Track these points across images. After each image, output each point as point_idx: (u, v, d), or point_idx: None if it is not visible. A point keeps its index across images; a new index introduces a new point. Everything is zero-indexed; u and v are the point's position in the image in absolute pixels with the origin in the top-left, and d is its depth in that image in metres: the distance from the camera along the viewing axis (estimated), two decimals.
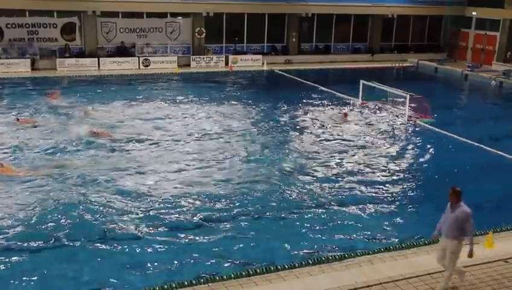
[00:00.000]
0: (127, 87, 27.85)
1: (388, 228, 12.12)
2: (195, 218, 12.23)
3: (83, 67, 31.32)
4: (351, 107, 24.28)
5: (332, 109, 24.19)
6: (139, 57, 32.97)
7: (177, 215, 12.34)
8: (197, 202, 13.10)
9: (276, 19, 36.97)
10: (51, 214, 12.15)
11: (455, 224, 8.85)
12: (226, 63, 34.41)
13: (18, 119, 19.94)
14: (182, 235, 11.40)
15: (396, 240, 11.37)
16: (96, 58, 31.92)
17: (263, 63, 34.86)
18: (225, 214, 12.53)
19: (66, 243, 10.94)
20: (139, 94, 26.08)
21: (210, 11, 34.27)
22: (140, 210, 12.54)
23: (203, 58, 34.28)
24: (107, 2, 32.27)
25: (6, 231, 11.28)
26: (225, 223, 12.02)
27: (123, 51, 33.27)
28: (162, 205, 12.90)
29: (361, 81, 25.03)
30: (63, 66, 31.08)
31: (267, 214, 12.67)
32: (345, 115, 22.42)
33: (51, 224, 11.67)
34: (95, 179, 14.27)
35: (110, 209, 12.49)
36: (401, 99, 23.11)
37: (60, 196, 13.07)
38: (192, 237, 11.38)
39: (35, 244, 10.80)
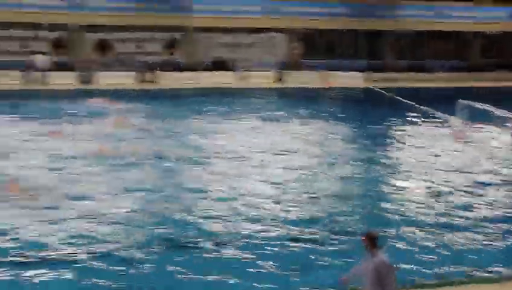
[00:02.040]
0: (221, 101, 28.59)
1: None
2: (291, 233, 12.14)
3: (183, 81, 32.55)
4: (453, 128, 23.52)
5: (433, 128, 23.65)
6: (235, 71, 33.83)
7: (263, 230, 12.22)
8: (289, 216, 12.97)
9: (374, 35, 36.79)
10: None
11: (377, 279, 7.40)
12: (322, 79, 34.55)
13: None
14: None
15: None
16: (196, 72, 33.07)
17: (360, 80, 34.67)
18: (321, 231, 12.38)
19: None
20: (232, 108, 26.71)
21: (307, 27, 34.63)
22: (228, 221, 12.60)
23: (299, 73, 34.62)
24: (206, 19, 33.53)
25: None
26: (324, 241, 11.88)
27: (221, 65, 34.27)
28: (247, 219, 12.77)
29: (461, 101, 24.29)
30: (165, 79, 32.46)
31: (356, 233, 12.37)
32: (457, 134, 21.76)
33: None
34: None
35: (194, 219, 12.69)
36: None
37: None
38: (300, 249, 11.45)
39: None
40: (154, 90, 30.68)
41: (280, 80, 34.11)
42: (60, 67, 31.94)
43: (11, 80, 30.09)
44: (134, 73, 31.98)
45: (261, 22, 34.79)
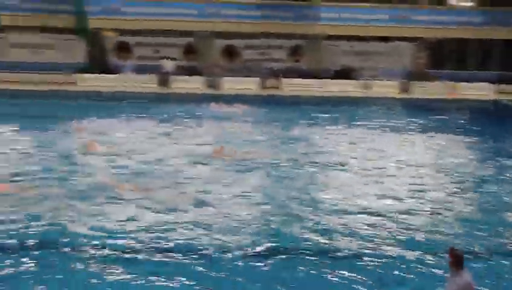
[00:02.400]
0: (344, 109, 28.33)
1: None
2: (408, 254, 11.64)
3: (306, 88, 32.69)
4: None
5: None
6: (360, 80, 33.41)
7: (376, 248, 11.81)
8: (408, 235, 12.40)
9: (506, 44, 34.69)
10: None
11: None
12: (448, 90, 33.16)
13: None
14: None
15: None
16: (320, 80, 33.07)
17: (490, 92, 32.89)
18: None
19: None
20: (354, 117, 26.30)
21: (434, 36, 33.47)
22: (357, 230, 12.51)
23: (424, 84, 33.50)
24: (332, 26, 33.54)
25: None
26: None
27: (345, 74, 34.02)
28: (361, 235, 12.36)
29: None
30: (288, 86, 32.80)
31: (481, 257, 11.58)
32: None
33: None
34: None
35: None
36: None
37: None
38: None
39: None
40: (276, 97, 31.14)
41: (406, 90, 33.19)
42: (189, 72, 33.40)
43: (146, 84, 32.09)
44: (258, 79, 32.63)
45: (389, 30, 34.15)
